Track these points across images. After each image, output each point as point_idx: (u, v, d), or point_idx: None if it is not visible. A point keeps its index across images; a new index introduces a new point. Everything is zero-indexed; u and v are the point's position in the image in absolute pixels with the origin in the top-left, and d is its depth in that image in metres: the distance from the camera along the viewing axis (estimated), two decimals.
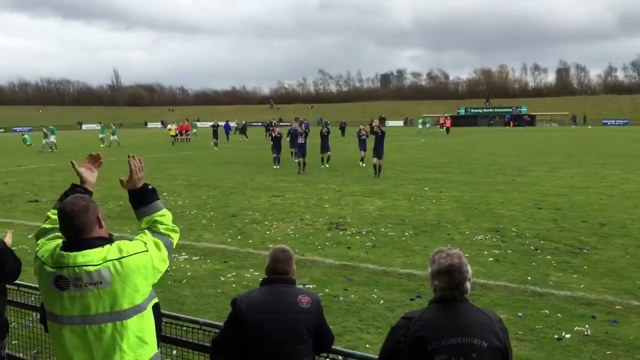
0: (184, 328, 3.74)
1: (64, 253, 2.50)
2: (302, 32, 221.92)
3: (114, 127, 45.47)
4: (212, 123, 41.88)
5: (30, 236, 10.76)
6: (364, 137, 23.38)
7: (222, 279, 7.73)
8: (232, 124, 54.87)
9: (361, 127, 24.13)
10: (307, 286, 7.30)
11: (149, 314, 2.59)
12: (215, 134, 39.47)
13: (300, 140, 21.61)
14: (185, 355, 3.76)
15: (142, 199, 2.82)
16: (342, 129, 55.30)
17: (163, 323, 3.76)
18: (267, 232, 10.76)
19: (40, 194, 16.42)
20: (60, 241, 2.60)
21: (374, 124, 20.61)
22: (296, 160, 22.42)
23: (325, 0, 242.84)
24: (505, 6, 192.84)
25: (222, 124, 45.81)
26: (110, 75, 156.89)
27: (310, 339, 2.98)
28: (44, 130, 40.30)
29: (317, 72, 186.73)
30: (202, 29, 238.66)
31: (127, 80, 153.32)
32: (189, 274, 8.03)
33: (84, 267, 2.44)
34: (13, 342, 4.96)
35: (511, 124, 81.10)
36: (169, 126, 49.03)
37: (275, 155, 23.71)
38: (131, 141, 52.14)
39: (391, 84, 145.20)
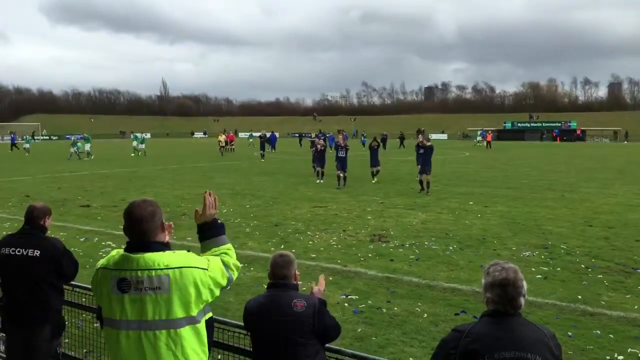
0: (230, 333, 3.80)
1: (129, 255, 2.60)
2: (344, 45, 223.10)
3: (142, 136, 46.75)
4: (259, 133, 41.60)
5: (82, 239, 11.14)
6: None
7: (265, 286, 7.78)
8: (255, 134, 55.62)
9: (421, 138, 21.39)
10: (349, 297, 7.29)
11: (202, 327, 2.65)
12: (262, 146, 38.47)
13: (341, 153, 20.67)
14: (231, 359, 3.81)
15: (210, 232, 2.92)
16: (384, 141, 54.04)
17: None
18: (310, 242, 10.80)
19: (92, 200, 16.99)
20: (121, 249, 2.70)
21: (419, 139, 19.68)
22: (338, 174, 20.86)
23: (368, 12, 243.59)
24: (552, 18, 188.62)
25: (268, 134, 46.53)
26: (159, 86, 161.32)
27: (310, 340, 3.08)
28: (73, 138, 42.10)
29: (361, 84, 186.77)
30: (247, 41, 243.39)
31: (175, 91, 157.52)
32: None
33: (146, 271, 2.53)
34: (65, 341, 5.13)
35: (558, 139, 78.76)
36: (219, 137, 48.10)
37: (318, 169, 22.45)
38: (179, 150, 53.43)
39: (435, 97, 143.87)
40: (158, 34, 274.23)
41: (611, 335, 5.95)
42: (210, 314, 2.80)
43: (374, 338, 5.92)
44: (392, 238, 11.13)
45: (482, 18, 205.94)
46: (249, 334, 3.37)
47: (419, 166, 19.37)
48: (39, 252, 4.15)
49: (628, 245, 10.33)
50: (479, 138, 62.68)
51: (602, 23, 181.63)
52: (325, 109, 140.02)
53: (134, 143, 45.63)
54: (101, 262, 2.73)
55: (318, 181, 21.81)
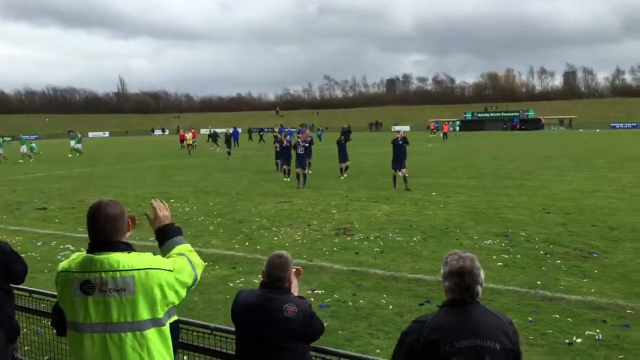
0: (195, 333, 3.74)
1: (92, 256, 2.55)
2: (304, 38, 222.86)
3: (79, 136, 44.61)
4: (224, 130, 39.32)
5: (39, 243, 10.82)
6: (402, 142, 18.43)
7: (231, 284, 7.73)
8: (220, 131, 53.58)
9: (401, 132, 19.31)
10: (315, 292, 7.30)
11: (167, 330, 2.63)
12: (228, 143, 35.93)
13: (299, 150, 19.22)
14: None
15: (166, 235, 2.92)
16: (346, 134, 53.26)
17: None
18: (275, 238, 10.76)
19: (49, 202, 16.51)
20: (84, 252, 2.64)
21: (398, 135, 18.04)
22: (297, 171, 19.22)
23: (325, 5, 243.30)
24: (507, 10, 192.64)
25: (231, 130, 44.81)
26: (116, 83, 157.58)
27: (298, 344, 3.05)
28: (22, 138, 40.81)
29: (323, 77, 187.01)
30: (204, 36, 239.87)
31: (133, 88, 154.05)
32: None
33: (111, 273, 2.50)
34: (25, 348, 4.98)
35: (517, 127, 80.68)
36: (186, 134, 44.94)
37: (285, 166, 21.19)
38: (138, 148, 52.45)
39: (397, 89, 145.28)
40: (111, 30, 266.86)
41: (569, 319, 6.14)
42: (175, 317, 2.75)
43: (340, 332, 5.94)
44: (356, 231, 11.19)
45: (438, 10, 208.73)
46: (235, 330, 3.27)
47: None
48: None
49: (584, 231, 10.67)
50: (457, 128, 62.84)
51: (556, 13, 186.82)
52: (288, 103, 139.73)
53: (72, 142, 43.13)
54: (62, 265, 2.67)
55: (285, 179, 20.58)
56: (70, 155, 41.39)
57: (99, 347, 2.51)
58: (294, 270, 3.34)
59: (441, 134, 57.34)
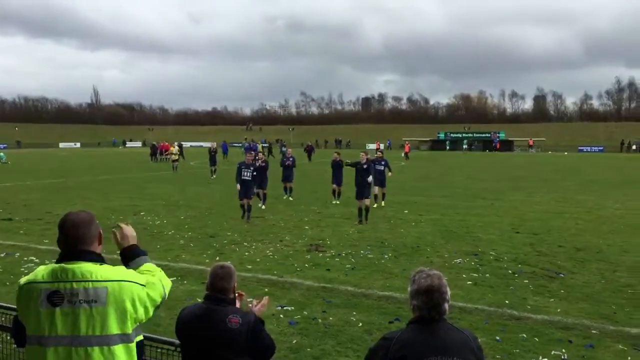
0: (159, 350, 3.66)
1: (64, 266, 2.49)
2: (275, 54, 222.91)
3: None
4: (209, 145, 32.91)
5: (2, 255, 10.50)
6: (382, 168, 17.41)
7: (199, 300, 7.60)
8: (185, 144, 51.33)
9: (379, 154, 18.35)
10: (285, 308, 7.24)
11: (134, 347, 2.57)
12: (212, 160, 30.40)
13: (245, 175, 15.09)
14: None
15: (130, 254, 2.90)
16: (309, 152, 48.85)
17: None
18: (246, 253, 10.67)
19: (14, 212, 16.08)
20: (49, 264, 2.57)
21: (362, 158, 14.91)
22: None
23: (293, 22, 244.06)
24: (474, 32, 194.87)
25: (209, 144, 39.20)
26: (89, 94, 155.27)
27: (242, 357, 3.01)
28: None
29: (299, 94, 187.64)
30: (175, 49, 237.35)
31: (105, 99, 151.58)
32: None
33: (82, 283, 2.44)
34: None
35: (498, 146, 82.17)
36: (171, 149, 39.40)
37: (259, 190, 17.37)
38: (110, 160, 51.69)
39: (372, 107, 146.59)
40: (78, 40, 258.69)
41: (536, 339, 6.21)
42: (141, 337, 2.68)
43: (308, 349, 5.89)
44: (328, 247, 11.17)
45: (406, 30, 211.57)
46: (180, 344, 3.26)
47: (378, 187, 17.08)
48: None
49: (552, 251, 10.85)
50: (465, 146, 61.70)
51: (523, 38, 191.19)
52: (264, 119, 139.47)
53: None
54: (26, 278, 2.60)
55: (262, 206, 17.26)
56: None
57: None
58: (237, 295, 3.30)
59: (403, 154, 56.22)
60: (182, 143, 37.12)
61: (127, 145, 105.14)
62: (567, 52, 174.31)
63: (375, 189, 17.08)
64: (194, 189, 23.66)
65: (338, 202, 18.19)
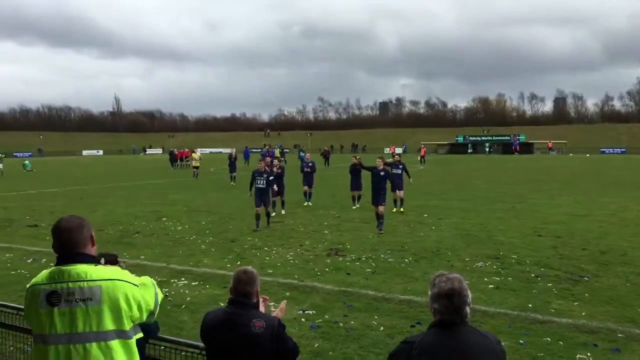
0: (183, 353, 3.71)
1: (61, 267, 2.63)
2: (292, 60, 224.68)
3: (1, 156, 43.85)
4: (229, 151, 32.91)
5: (29, 261, 10.71)
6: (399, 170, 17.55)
7: (222, 304, 7.65)
8: (203, 151, 51.33)
9: (397, 157, 18.69)
10: (306, 312, 7.27)
11: (133, 344, 2.68)
12: (232, 166, 30.06)
13: (259, 183, 14.65)
14: None
15: None
16: (326, 157, 49.81)
17: (162, 348, 3.76)
18: (267, 258, 10.73)
19: (40, 219, 16.39)
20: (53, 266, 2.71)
21: (379, 164, 14.46)
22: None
23: (308, 28, 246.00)
24: (491, 36, 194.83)
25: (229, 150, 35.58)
26: (111, 102, 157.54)
27: None
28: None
29: (317, 99, 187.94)
30: (192, 57, 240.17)
31: (126, 107, 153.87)
32: (188, 299, 7.99)
33: (78, 283, 2.57)
34: None
35: (517, 149, 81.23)
36: (193, 155, 38.32)
37: (277, 197, 17.38)
38: (129, 168, 52.32)
39: (390, 112, 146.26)
40: (97, 49, 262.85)
41: (560, 342, 6.14)
42: (140, 334, 2.79)
43: (330, 353, 5.91)
44: (348, 252, 11.18)
45: (421, 34, 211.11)
46: (205, 347, 3.31)
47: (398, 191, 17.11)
48: None
49: (575, 254, 10.71)
50: (487, 149, 60.29)
51: (540, 39, 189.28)
52: (282, 124, 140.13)
53: None
54: (32, 281, 2.75)
55: (282, 212, 17.23)
56: None
57: (64, 358, 2.55)
58: (261, 299, 3.34)
59: (419, 158, 55.13)
60: (233, 152, 34.05)
61: (147, 153, 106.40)
62: (587, 53, 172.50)
63: (394, 194, 16.95)
64: (214, 194, 23.85)
65: (358, 206, 18.19)
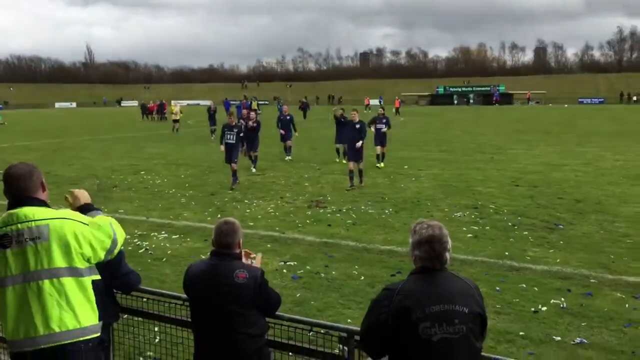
0: (167, 304, 3.73)
1: (11, 211, 2.73)
2: (272, 7, 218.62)
3: None
4: (209, 103, 31.89)
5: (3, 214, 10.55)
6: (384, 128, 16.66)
7: (203, 257, 7.67)
8: (181, 103, 49.24)
9: (380, 111, 17.36)
10: (287, 263, 7.33)
11: (88, 283, 2.76)
12: (212, 119, 29.08)
13: (229, 138, 13.89)
14: (168, 331, 3.77)
15: (86, 210, 3.13)
16: (304, 109, 47.54)
17: (145, 300, 3.77)
18: (247, 211, 10.73)
19: None
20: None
21: (354, 117, 13.71)
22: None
23: None
24: None
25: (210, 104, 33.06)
26: (83, 52, 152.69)
27: (249, 311, 3.07)
28: None
29: (296, 50, 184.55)
30: (168, 4, 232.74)
31: (100, 58, 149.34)
32: (169, 252, 7.99)
33: (26, 223, 2.67)
34: None
35: (497, 101, 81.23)
36: (172, 108, 35.56)
37: (251, 152, 16.65)
38: (106, 121, 51.36)
39: (370, 63, 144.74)
40: None
41: (535, 288, 6.32)
42: (97, 276, 2.86)
43: (312, 302, 6.00)
44: (329, 204, 11.23)
45: None
46: (188, 299, 3.32)
47: (380, 147, 16.32)
48: None
49: (551, 203, 10.92)
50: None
51: None
52: (261, 76, 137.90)
53: None
54: None
55: (252, 169, 16.37)
56: None
57: (20, 297, 2.65)
58: (243, 252, 3.33)
59: (393, 110, 52.93)
60: (212, 104, 31.38)
61: (122, 105, 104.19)
62: (568, 2, 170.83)
63: (377, 149, 16.37)
64: (193, 148, 23.59)
65: (345, 162, 15.92)
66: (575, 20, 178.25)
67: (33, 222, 2.67)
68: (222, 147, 13.98)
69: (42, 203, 2.81)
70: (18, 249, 2.66)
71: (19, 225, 2.67)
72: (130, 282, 3.55)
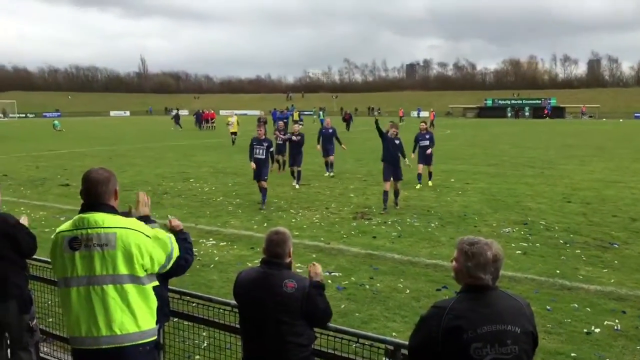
0: (214, 310, 3.81)
1: (82, 215, 2.86)
2: (315, 20, 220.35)
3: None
4: (258, 113, 30.39)
5: (62, 219, 11.00)
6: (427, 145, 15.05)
7: (249, 264, 7.80)
8: (237, 113, 49.55)
9: (422, 126, 15.86)
10: (332, 274, 7.35)
11: (149, 290, 2.89)
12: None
13: (258, 153, 12.75)
14: (216, 336, 3.84)
15: (145, 221, 3.18)
16: (347, 121, 46.03)
17: (194, 305, 3.86)
18: (293, 220, 10.82)
19: (71, 178, 16.75)
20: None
21: (393, 132, 12.33)
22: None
23: None
24: None
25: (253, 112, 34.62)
26: (137, 63, 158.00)
27: (297, 321, 3.09)
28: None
29: (342, 61, 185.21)
30: (215, 17, 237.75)
31: (152, 68, 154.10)
32: (216, 258, 8.15)
33: (96, 229, 2.80)
34: (49, 320, 5.09)
35: (547, 114, 78.96)
36: (229, 119, 33.00)
37: (294, 167, 15.82)
38: (158, 129, 52.79)
39: (417, 74, 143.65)
40: (121, 8, 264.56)
41: (588, 309, 6.11)
42: (156, 282, 2.98)
43: (357, 314, 5.99)
44: (374, 215, 11.20)
45: None
46: (237, 305, 3.38)
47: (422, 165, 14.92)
48: None
49: (605, 221, 10.54)
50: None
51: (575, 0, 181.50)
52: (307, 86, 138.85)
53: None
54: (57, 229, 2.99)
55: (295, 185, 15.41)
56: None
57: (84, 299, 2.79)
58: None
59: (428, 123, 52.87)
60: (261, 115, 29.66)
61: (175, 114, 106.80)
62: (623, 13, 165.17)
63: (419, 167, 14.84)
64: (240, 156, 23.95)
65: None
66: (631, 32, 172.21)
67: (102, 229, 2.80)
68: (253, 165, 12.64)
69: (112, 210, 2.93)
70: (86, 252, 2.80)
71: (89, 231, 2.81)
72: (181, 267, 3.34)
